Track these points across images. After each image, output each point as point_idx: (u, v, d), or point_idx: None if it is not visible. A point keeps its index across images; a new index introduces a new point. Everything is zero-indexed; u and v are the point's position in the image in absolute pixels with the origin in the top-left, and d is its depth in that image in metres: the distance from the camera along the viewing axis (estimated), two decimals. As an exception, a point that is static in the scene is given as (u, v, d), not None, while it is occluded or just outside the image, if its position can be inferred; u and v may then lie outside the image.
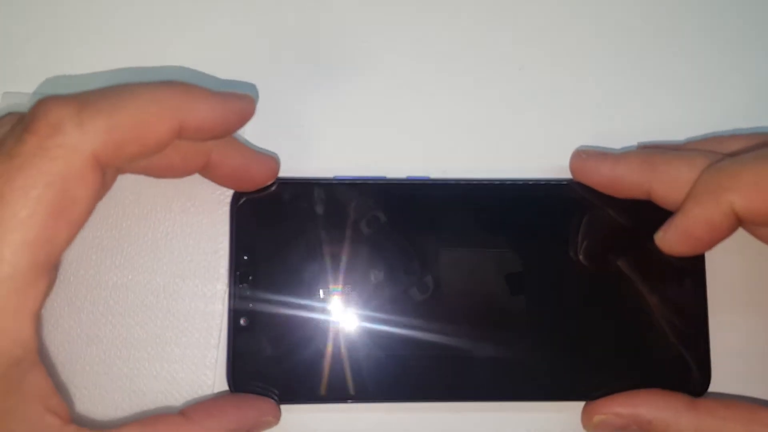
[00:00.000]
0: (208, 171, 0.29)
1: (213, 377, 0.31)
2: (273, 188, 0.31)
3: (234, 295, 0.30)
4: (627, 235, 0.31)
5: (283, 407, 0.30)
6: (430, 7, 0.34)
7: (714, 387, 0.30)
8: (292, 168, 0.31)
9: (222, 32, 0.33)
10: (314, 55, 0.33)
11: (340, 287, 0.30)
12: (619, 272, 0.31)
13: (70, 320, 0.30)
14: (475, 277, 0.31)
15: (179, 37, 0.33)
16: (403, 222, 0.31)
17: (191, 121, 0.25)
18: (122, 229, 0.31)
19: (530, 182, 0.31)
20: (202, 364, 0.31)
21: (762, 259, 0.32)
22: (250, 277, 0.30)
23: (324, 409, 0.31)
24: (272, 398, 0.30)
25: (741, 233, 0.29)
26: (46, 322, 0.30)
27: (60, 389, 0.29)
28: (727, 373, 0.31)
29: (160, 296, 0.31)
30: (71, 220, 0.24)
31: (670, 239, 0.28)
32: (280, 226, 0.30)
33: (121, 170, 0.28)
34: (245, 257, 0.30)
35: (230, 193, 0.31)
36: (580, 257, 0.31)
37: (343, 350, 0.30)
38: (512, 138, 0.33)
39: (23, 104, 0.32)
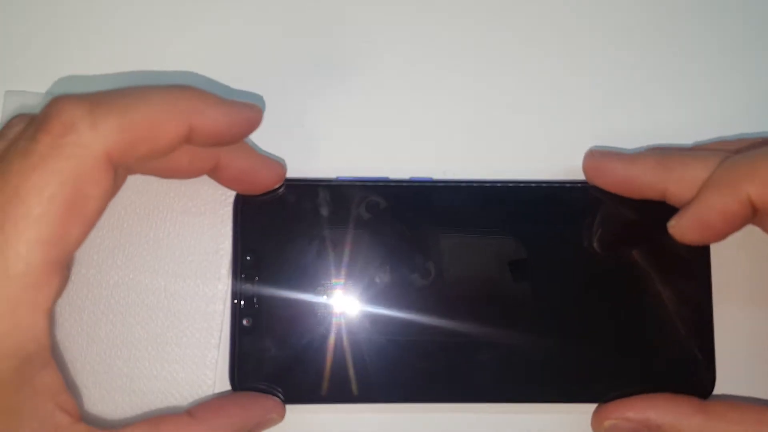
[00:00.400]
0: (215, 173, 0.29)
1: (213, 377, 0.31)
2: (278, 191, 0.31)
3: (238, 295, 0.30)
4: (634, 235, 0.31)
5: (287, 407, 0.30)
6: (432, 7, 0.34)
7: (719, 387, 0.30)
8: (294, 169, 0.31)
9: (225, 33, 0.33)
10: (316, 56, 0.33)
11: (343, 288, 0.30)
12: (627, 272, 0.31)
13: (70, 319, 0.30)
14: (482, 279, 0.31)
15: (182, 38, 0.33)
16: (406, 223, 0.31)
17: (201, 126, 0.25)
18: (124, 229, 0.31)
19: (532, 183, 0.31)
20: (202, 364, 0.31)
21: (764, 260, 0.32)
22: (255, 278, 0.30)
23: (327, 410, 0.31)
24: (276, 396, 0.30)
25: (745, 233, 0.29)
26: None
27: (70, 387, 0.29)
28: (731, 372, 0.31)
29: (161, 296, 0.31)
30: (84, 218, 0.24)
31: (683, 226, 0.28)
32: (284, 226, 0.31)
33: (131, 171, 0.28)
34: (249, 257, 0.30)
35: (232, 193, 0.31)
36: (589, 256, 0.31)
37: (347, 351, 0.30)
38: (515, 138, 0.33)
39: (26, 103, 0.32)
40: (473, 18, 0.34)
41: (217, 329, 0.31)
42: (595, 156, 0.31)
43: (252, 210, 0.31)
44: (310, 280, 0.30)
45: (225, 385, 0.30)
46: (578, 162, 0.32)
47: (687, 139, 0.33)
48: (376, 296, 0.30)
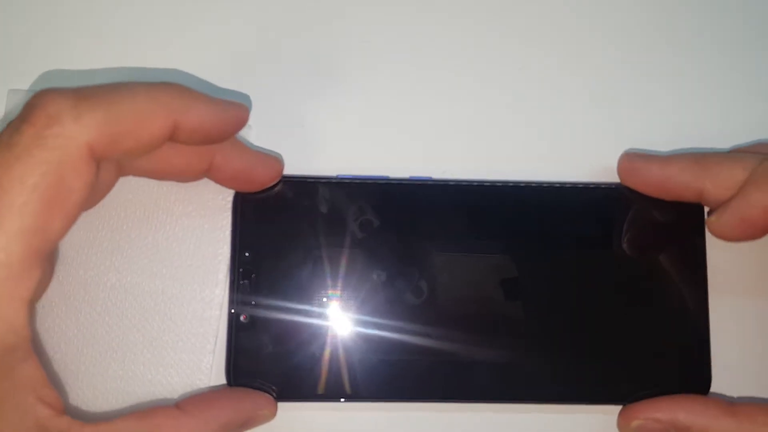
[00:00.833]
0: (212, 173, 0.29)
1: (208, 383, 0.30)
2: (277, 187, 0.31)
3: (235, 291, 0.30)
4: (632, 236, 0.31)
5: (281, 405, 0.30)
6: (431, 7, 0.34)
7: (715, 386, 0.30)
8: (294, 169, 0.31)
9: (223, 32, 0.33)
10: (316, 56, 0.33)
11: (341, 286, 0.30)
12: (624, 272, 0.31)
13: (66, 320, 0.30)
14: (484, 279, 0.31)
15: (179, 37, 0.33)
16: (404, 222, 0.31)
17: (185, 122, 0.26)
18: (122, 231, 0.31)
19: (533, 184, 0.31)
20: (197, 369, 0.30)
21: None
22: (252, 275, 0.30)
23: (321, 408, 0.31)
24: (269, 393, 0.29)
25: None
26: (43, 321, 0.30)
27: (56, 383, 0.29)
28: (728, 372, 0.31)
29: (158, 299, 0.31)
30: (66, 210, 0.24)
31: (725, 222, 0.29)
32: (283, 223, 0.31)
33: (123, 171, 0.28)
34: (247, 254, 0.30)
35: (231, 197, 0.31)
36: (588, 256, 0.31)
37: (343, 349, 0.30)
38: (515, 138, 0.33)
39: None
40: (473, 18, 0.34)
41: (212, 335, 0.31)
42: (631, 157, 0.31)
43: (251, 207, 0.31)
44: (308, 277, 0.30)
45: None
46: (578, 162, 0.32)
47: (687, 139, 0.33)
48: (374, 295, 0.30)
